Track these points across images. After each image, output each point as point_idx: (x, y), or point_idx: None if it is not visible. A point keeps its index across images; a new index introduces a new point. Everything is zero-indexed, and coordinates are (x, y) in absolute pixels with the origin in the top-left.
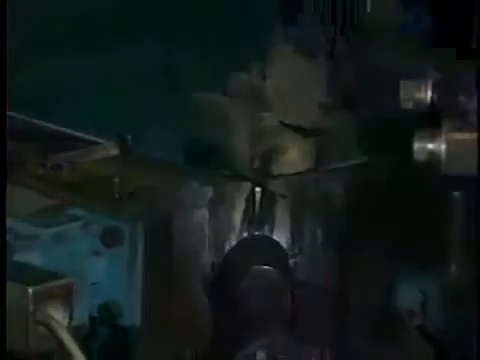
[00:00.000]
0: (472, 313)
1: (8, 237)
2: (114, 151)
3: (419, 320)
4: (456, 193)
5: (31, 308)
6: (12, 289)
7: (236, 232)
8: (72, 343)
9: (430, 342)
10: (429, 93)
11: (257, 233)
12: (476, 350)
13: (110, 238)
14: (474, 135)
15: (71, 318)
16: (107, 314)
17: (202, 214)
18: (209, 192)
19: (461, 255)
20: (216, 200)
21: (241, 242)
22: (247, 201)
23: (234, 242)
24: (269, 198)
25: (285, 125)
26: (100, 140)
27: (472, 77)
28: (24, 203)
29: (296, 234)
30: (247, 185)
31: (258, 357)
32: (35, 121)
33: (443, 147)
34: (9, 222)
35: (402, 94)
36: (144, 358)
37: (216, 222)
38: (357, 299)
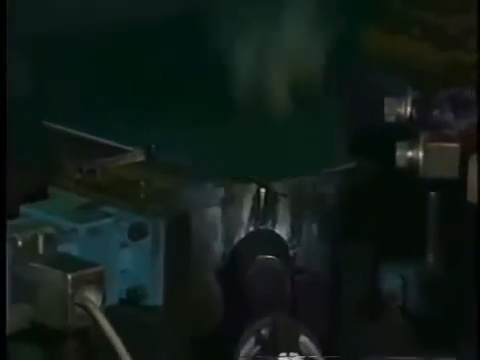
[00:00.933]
0: (447, 296)
1: (53, 230)
2: (140, 158)
3: (400, 301)
4: (432, 193)
5: (70, 291)
6: (55, 275)
7: (244, 227)
8: (104, 321)
9: (409, 319)
10: (409, 109)
11: (261, 227)
12: (476, 349)
13: (136, 232)
14: (447, 144)
15: (104, 300)
16: (134, 296)
17: (215, 211)
18: (221, 192)
19: (435, 247)
20: (227, 199)
21: (248, 235)
22: (253, 200)
23: (242, 235)
24: (272, 197)
25: None
26: (128, 148)
27: (445, 94)
28: (64, 202)
29: (295, 228)
30: (253, 186)
31: (262, 332)
32: (71, 130)
33: (421, 155)
34: (52, 218)
35: (386, 109)
36: (165, 334)
37: (227, 218)
38: (347, 283)
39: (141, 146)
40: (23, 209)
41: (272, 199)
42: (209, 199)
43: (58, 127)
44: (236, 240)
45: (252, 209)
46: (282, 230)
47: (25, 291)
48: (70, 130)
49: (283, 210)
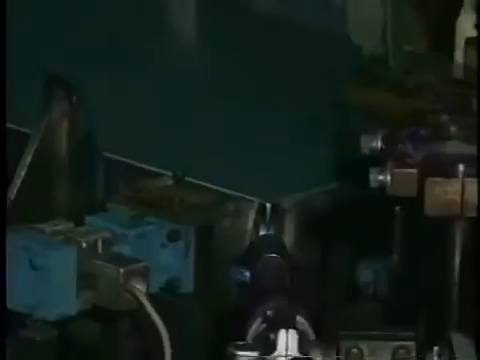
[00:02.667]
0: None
1: (109, 235)
2: (173, 180)
3: (372, 289)
4: (397, 207)
5: (122, 281)
6: (110, 269)
7: (252, 233)
8: (148, 304)
9: (378, 302)
10: (379, 143)
11: (267, 233)
12: (476, 347)
13: (172, 236)
14: (408, 170)
15: (148, 288)
16: (171, 286)
17: (231, 221)
18: (232, 207)
19: (399, 248)
20: (239, 212)
21: (256, 239)
22: (258, 213)
23: (252, 239)
24: (277, 210)
25: None
26: (165, 172)
27: (406, 133)
28: (118, 214)
29: (292, 233)
30: (257, 202)
31: (267, 313)
32: (125, 159)
33: (388, 178)
34: (109, 226)
35: (362, 144)
36: (194, 314)
37: (239, 227)
38: (332, 276)
39: (172, 171)
40: (87, 219)
41: (277, 211)
42: (227, 211)
43: (115, 157)
44: (247, 243)
45: (257, 219)
46: (284, 235)
47: (88, 281)
48: (124, 159)
49: (283, 220)
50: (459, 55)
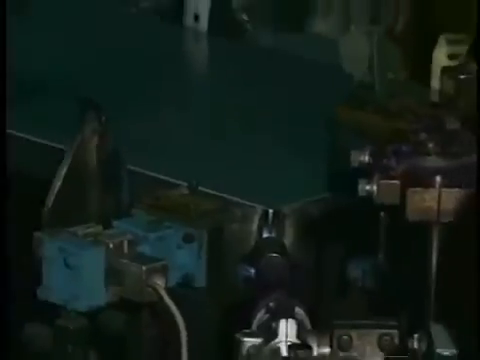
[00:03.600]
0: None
1: (133, 237)
2: (188, 189)
3: (360, 284)
4: (382, 213)
5: (144, 277)
6: (134, 267)
7: (257, 235)
8: (167, 297)
9: (367, 297)
10: (367, 158)
11: (269, 235)
12: (476, 346)
13: (187, 238)
14: (391, 181)
15: (166, 282)
16: (186, 281)
17: (238, 226)
18: (239, 213)
19: (384, 249)
20: (245, 217)
21: (260, 240)
22: (261, 218)
23: (257, 240)
24: (278, 216)
25: None
26: (181, 183)
27: (390, 148)
28: (141, 219)
29: (291, 236)
30: (261, 208)
31: (270, 305)
32: (147, 172)
33: (375, 188)
34: (133, 229)
35: (352, 158)
36: (206, 306)
37: (245, 230)
38: (326, 272)
39: (187, 182)
40: (114, 223)
41: (278, 217)
42: (234, 217)
43: (138, 169)
44: (252, 244)
45: (261, 224)
46: (284, 237)
47: (115, 277)
48: (146, 171)
49: (284, 224)
50: (435, 82)
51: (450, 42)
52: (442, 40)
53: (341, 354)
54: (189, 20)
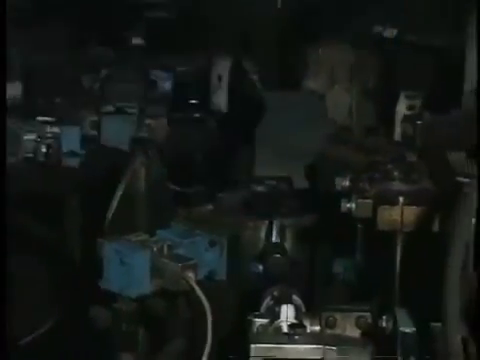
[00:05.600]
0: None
1: (171, 242)
2: (211, 207)
3: (342, 278)
4: (359, 225)
5: (179, 272)
6: (172, 265)
7: (265, 240)
8: (197, 287)
9: (348, 288)
10: (348, 183)
11: (274, 241)
12: (476, 346)
13: (212, 243)
14: (366, 200)
15: (196, 276)
16: (211, 275)
17: (252, 233)
18: (252, 224)
19: (360, 251)
20: (256, 227)
21: (267, 244)
22: (268, 227)
23: (264, 244)
24: (281, 227)
25: None
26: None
27: (365, 176)
28: (177, 228)
29: (290, 241)
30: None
31: (274, 293)
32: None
33: (353, 205)
34: (171, 236)
35: (336, 182)
36: (227, 295)
37: (256, 236)
38: (317, 269)
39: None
40: (158, 232)
41: (281, 228)
42: (248, 227)
43: (176, 188)
44: (261, 247)
45: (268, 232)
46: (285, 242)
47: (158, 272)
48: (181, 190)
49: (285, 232)
50: (398, 126)
51: (408, 97)
52: (402, 96)
53: (328, 331)
54: (214, 80)
